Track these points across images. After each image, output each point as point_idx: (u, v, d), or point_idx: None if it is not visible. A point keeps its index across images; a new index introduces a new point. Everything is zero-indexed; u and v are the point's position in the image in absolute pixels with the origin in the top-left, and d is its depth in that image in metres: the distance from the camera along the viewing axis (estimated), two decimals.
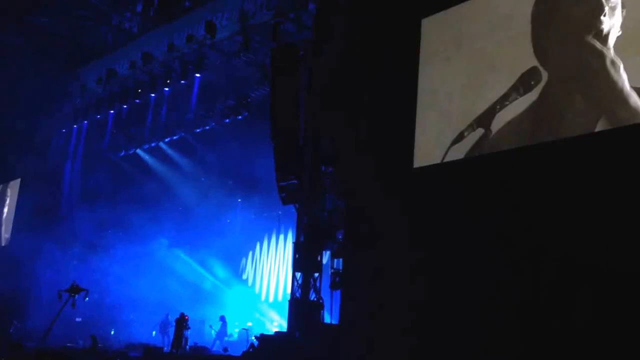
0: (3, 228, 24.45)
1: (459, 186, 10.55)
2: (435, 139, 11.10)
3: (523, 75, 9.82)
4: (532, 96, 9.73)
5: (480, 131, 10.46)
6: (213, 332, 18.56)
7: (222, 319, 18.65)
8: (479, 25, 10.77)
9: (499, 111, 10.20)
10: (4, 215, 24.63)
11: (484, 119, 10.42)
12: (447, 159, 10.81)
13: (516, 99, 9.88)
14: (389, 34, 12.19)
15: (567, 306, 8.69)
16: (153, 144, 21.50)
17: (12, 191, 24.40)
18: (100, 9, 20.80)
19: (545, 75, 9.61)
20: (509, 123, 10.03)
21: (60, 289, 15.12)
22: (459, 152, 10.68)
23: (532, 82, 9.71)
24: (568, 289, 8.69)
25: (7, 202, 24.61)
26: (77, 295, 14.79)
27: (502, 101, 10.10)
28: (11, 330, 19.36)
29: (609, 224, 8.41)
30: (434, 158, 11.06)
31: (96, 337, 16.03)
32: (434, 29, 11.54)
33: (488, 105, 10.33)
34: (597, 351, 8.15)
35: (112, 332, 20.00)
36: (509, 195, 9.76)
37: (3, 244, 23.88)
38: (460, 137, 10.68)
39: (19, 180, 23.97)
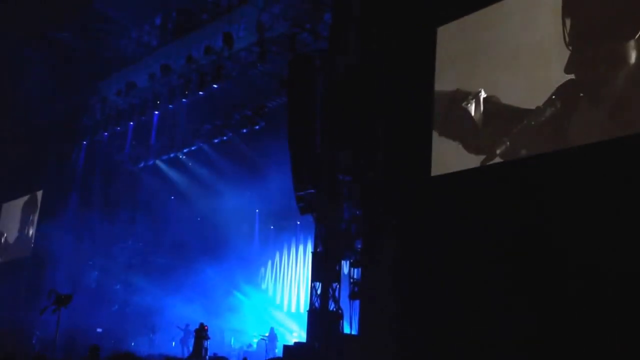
0: (25, 239, 24.78)
1: (477, 194, 10.45)
2: (453, 148, 11.03)
3: (559, 88, 9.53)
4: (555, 104, 9.59)
5: (499, 139, 10.37)
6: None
7: (272, 331, 18.33)
8: (495, 33, 10.70)
9: (519, 119, 10.11)
10: (26, 226, 24.97)
11: (503, 127, 10.33)
12: (465, 167, 10.72)
13: (551, 113, 9.61)
14: (405, 42, 12.20)
15: (586, 312, 8.58)
16: (172, 155, 21.67)
17: (34, 203, 24.73)
18: (119, 23, 21.05)
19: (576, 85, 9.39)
20: (531, 131, 9.93)
21: (45, 305, 14.33)
22: (477, 160, 10.59)
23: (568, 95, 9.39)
24: (588, 294, 8.58)
25: (29, 213, 24.94)
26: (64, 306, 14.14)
27: (531, 113, 9.90)
28: (34, 342, 19.49)
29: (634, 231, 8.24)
30: (452, 166, 10.98)
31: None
32: (450, 37, 11.51)
33: (508, 113, 10.24)
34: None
35: (132, 344, 20.05)
36: (529, 203, 9.65)
37: (25, 255, 24.19)
38: (478, 146, 10.59)
39: (40, 192, 24.31)
